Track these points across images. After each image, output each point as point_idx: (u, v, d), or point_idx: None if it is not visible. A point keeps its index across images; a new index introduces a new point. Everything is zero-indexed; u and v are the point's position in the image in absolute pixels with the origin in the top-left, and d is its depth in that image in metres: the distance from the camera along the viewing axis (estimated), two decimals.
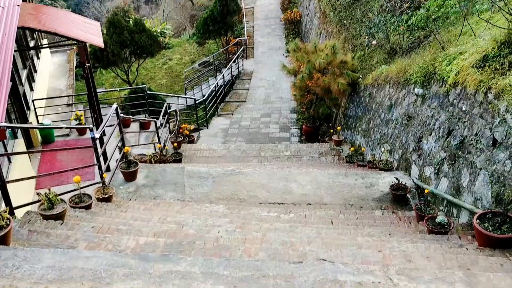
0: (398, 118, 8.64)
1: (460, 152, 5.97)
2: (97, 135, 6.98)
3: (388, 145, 9.17)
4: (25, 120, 10.76)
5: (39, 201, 5.49)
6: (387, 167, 8.63)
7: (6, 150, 8.30)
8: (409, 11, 12.48)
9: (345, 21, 15.35)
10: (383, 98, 9.74)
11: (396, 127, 8.72)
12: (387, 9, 13.62)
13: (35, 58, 14.89)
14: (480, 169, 5.36)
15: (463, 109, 5.97)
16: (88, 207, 6.00)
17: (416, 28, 11.54)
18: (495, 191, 4.96)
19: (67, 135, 12.04)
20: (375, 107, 10.32)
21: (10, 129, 9.10)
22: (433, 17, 10.78)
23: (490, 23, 6.19)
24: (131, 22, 18.98)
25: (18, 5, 8.97)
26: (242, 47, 22.66)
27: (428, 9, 11.48)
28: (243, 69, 21.83)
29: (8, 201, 5.40)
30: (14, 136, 9.51)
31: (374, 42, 12.31)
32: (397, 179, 7.36)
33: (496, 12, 6.95)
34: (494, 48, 5.53)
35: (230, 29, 23.44)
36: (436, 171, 6.74)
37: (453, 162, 6.15)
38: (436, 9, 11.14)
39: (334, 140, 12.27)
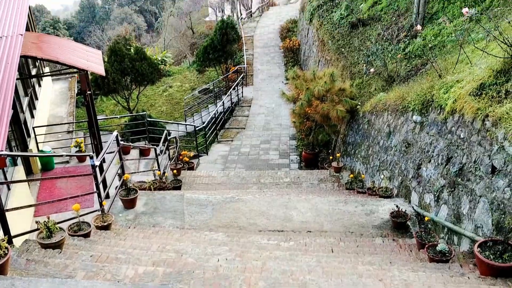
0: (397, 145, 8.68)
1: (460, 179, 5.97)
2: (97, 163, 6.98)
3: (387, 172, 9.18)
4: (25, 147, 10.78)
5: (37, 229, 5.46)
6: (386, 194, 8.61)
7: (5, 178, 8.29)
8: (406, 40, 12.71)
9: (343, 49, 15.60)
10: (382, 125, 9.80)
11: (395, 154, 8.74)
12: (384, 38, 13.87)
13: (36, 86, 15.03)
14: (480, 196, 5.36)
15: (462, 136, 6.01)
16: (87, 235, 5.97)
17: (413, 56, 11.73)
18: (496, 219, 4.95)
19: (67, 162, 12.04)
20: (374, 134, 10.37)
21: (10, 157, 9.11)
22: (429, 45, 10.97)
23: (485, 52, 6.29)
24: (132, 50, 19.29)
25: (21, 35, 9.12)
26: (242, 75, 22.94)
27: (425, 38, 11.69)
28: (242, 96, 22.02)
29: (6, 230, 5.36)
30: (14, 163, 9.51)
31: (372, 70, 12.48)
32: (397, 206, 7.34)
33: (492, 41, 7.08)
34: (490, 77, 5.61)
35: (230, 57, 23.79)
36: (436, 198, 6.73)
37: (453, 189, 6.15)
38: (433, 37, 11.35)
39: (334, 167, 12.28)
